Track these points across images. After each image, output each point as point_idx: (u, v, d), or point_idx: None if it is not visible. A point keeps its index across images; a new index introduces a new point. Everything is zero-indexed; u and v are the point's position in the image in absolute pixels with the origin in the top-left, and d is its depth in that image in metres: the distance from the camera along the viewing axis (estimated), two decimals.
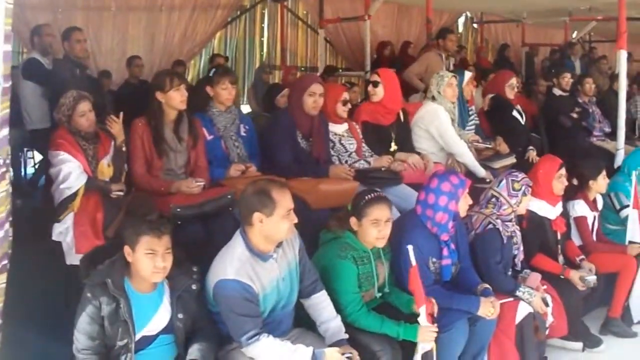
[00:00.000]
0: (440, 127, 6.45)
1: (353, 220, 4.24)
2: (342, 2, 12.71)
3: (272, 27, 13.44)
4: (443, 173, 4.84)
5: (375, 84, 6.26)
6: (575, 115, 8.71)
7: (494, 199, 5.13)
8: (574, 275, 5.35)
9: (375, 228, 4.17)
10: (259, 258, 3.73)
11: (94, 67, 9.65)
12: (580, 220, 6.03)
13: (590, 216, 6.08)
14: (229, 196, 4.72)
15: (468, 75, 7.21)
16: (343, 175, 5.46)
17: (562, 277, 5.35)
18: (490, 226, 4.99)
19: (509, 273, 5.09)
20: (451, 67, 9.41)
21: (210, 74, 5.52)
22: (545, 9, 13.45)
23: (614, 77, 9.92)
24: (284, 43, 13.13)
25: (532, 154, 7.34)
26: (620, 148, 7.52)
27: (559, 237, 5.62)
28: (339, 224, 4.34)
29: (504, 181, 5.15)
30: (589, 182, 6.09)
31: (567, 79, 8.98)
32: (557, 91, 9.01)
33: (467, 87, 7.14)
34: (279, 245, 3.85)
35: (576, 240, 5.99)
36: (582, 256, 5.70)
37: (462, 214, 4.78)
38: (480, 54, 15.46)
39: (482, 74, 9.76)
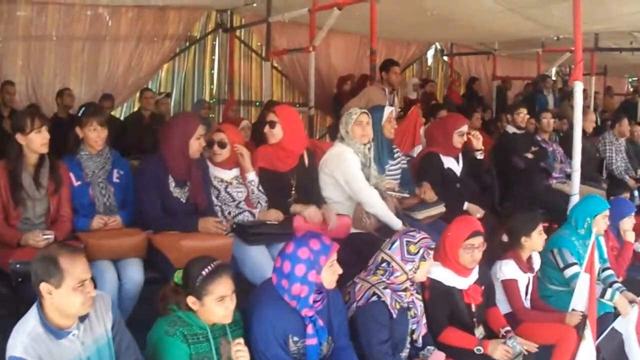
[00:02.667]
0: (347, 172, 5.54)
1: (191, 300, 3.55)
2: (296, 32, 11.93)
3: (224, 60, 12.60)
4: (302, 237, 3.91)
5: (272, 124, 5.40)
6: (530, 156, 7.72)
7: (384, 264, 4.22)
8: (493, 347, 4.41)
9: (221, 306, 3.54)
10: (53, 334, 3.20)
11: (35, 100, 9.63)
12: (509, 284, 5.07)
13: (523, 278, 5.14)
14: None
15: (388, 111, 6.19)
16: (213, 229, 4.72)
17: (477, 352, 4.42)
18: (375, 298, 4.11)
19: (405, 352, 4.26)
20: (395, 102, 8.49)
21: (79, 114, 4.94)
22: (515, 39, 12.78)
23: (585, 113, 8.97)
24: (233, 76, 12.44)
25: (475, 207, 6.29)
26: (574, 193, 6.48)
27: (473, 309, 4.66)
28: (164, 305, 3.66)
29: (397, 242, 4.25)
30: (520, 239, 5.13)
31: (522, 115, 8.02)
32: (511, 128, 8.05)
33: (388, 124, 6.13)
34: (84, 318, 3.30)
35: (505, 306, 5.03)
36: (508, 327, 4.75)
37: (328, 285, 3.87)
38: (452, 88, 14.54)
39: (430, 110, 8.81)
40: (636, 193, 8.80)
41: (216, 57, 12.62)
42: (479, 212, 6.19)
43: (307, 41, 10.32)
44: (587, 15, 8.28)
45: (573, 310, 4.97)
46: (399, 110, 10.39)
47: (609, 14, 9.17)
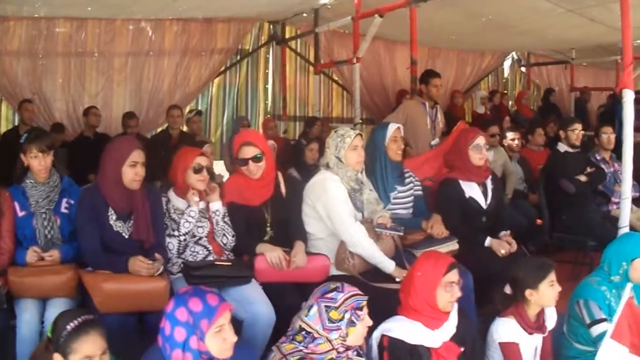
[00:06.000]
0: (328, 204, 4.71)
1: (57, 358, 3.00)
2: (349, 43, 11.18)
3: (279, 73, 11.97)
4: (183, 294, 3.14)
5: (258, 159, 4.70)
6: (583, 178, 6.69)
7: (303, 332, 3.40)
8: None
9: None
10: None
11: (75, 118, 9.73)
12: (508, 348, 4.04)
13: (529, 341, 4.11)
14: None
15: (392, 128, 5.27)
16: (143, 271, 4.06)
17: None
18: None
19: None
20: (438, 118, 7.58)
21: (21, 140, 4.51)
22: (591, 45, 11.77)
23: None
24: (285, 90, 11.85)
25: (498, 242, 5.28)
26: (622, 226, 5.40)
27: None
28: None
29: (315, 308, 3.42)
30: (525, 292, 4.10)
31: (577, 132, 6.96)
32: (562, 147, 7.00)
33: (393, 144, 5.22)
34: None
35: None
36: None
37: (219, 354, 3.09)
38: (520, 101, 13.39)
39: (483, 124, 7.93)
40: None
41: (270, 71, 12.05)
42: (503, 248, 5.21)
43: (370, 52, 9.64)
44: None
45: None
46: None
47: None
